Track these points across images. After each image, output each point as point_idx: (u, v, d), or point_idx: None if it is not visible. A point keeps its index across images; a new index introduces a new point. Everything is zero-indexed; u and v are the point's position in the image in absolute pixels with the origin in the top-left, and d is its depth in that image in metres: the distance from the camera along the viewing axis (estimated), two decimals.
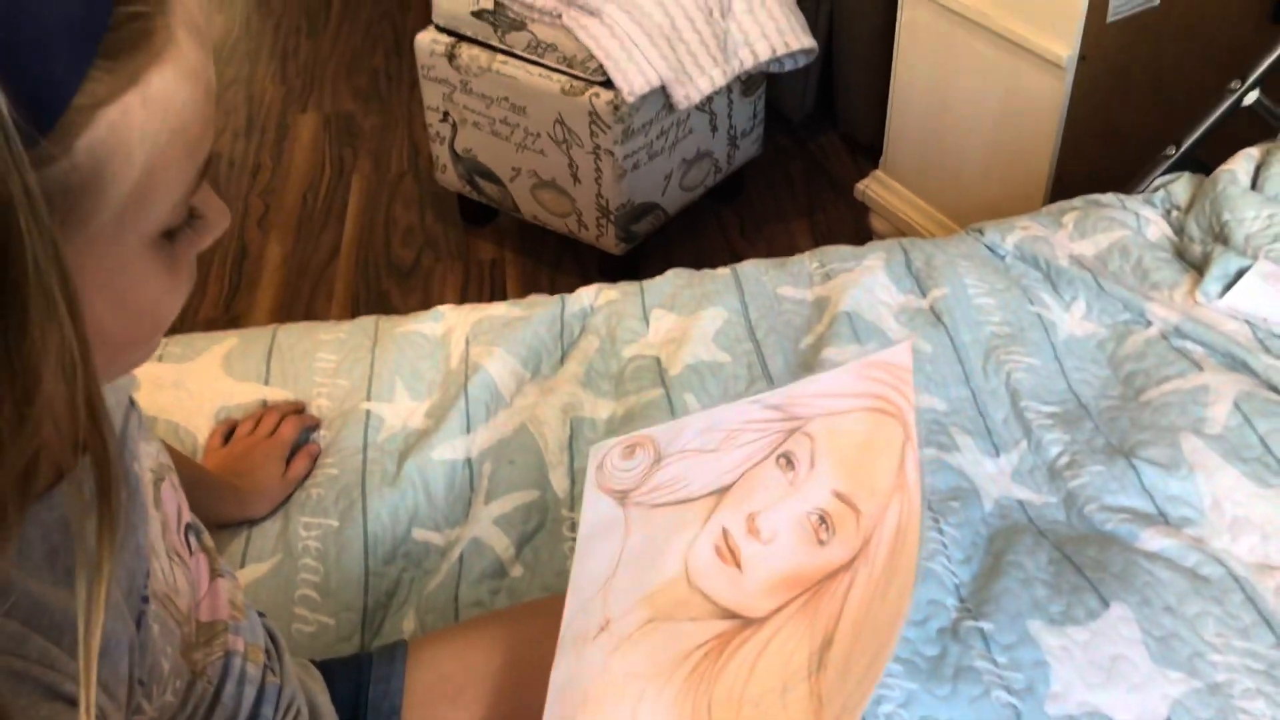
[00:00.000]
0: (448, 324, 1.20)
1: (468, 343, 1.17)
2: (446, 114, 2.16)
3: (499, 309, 1.22)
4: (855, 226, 2.29)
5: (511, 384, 1.11)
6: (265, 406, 1.09)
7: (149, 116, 0.41)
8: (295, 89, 2.86)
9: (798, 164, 2.50)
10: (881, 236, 2.21)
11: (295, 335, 1.18)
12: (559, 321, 1.20)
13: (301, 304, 2.15)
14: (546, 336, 1.17)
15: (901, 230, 2.13)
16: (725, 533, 0.69)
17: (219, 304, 2.16)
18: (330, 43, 3.08)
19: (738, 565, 0.67)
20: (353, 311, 2.13)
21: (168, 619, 0.56)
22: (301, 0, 3.33)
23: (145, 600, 0.54)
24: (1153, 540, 0.91)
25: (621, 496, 0.75)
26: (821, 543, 0.66)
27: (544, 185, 2.10)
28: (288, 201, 2.44)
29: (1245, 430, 0.97)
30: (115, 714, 0.48)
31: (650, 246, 2.20)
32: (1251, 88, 1.26)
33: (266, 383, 1.13)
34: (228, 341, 1.17)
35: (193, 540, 0.64)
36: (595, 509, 0.74)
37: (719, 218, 2.35)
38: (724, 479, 0.72)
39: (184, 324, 2.09)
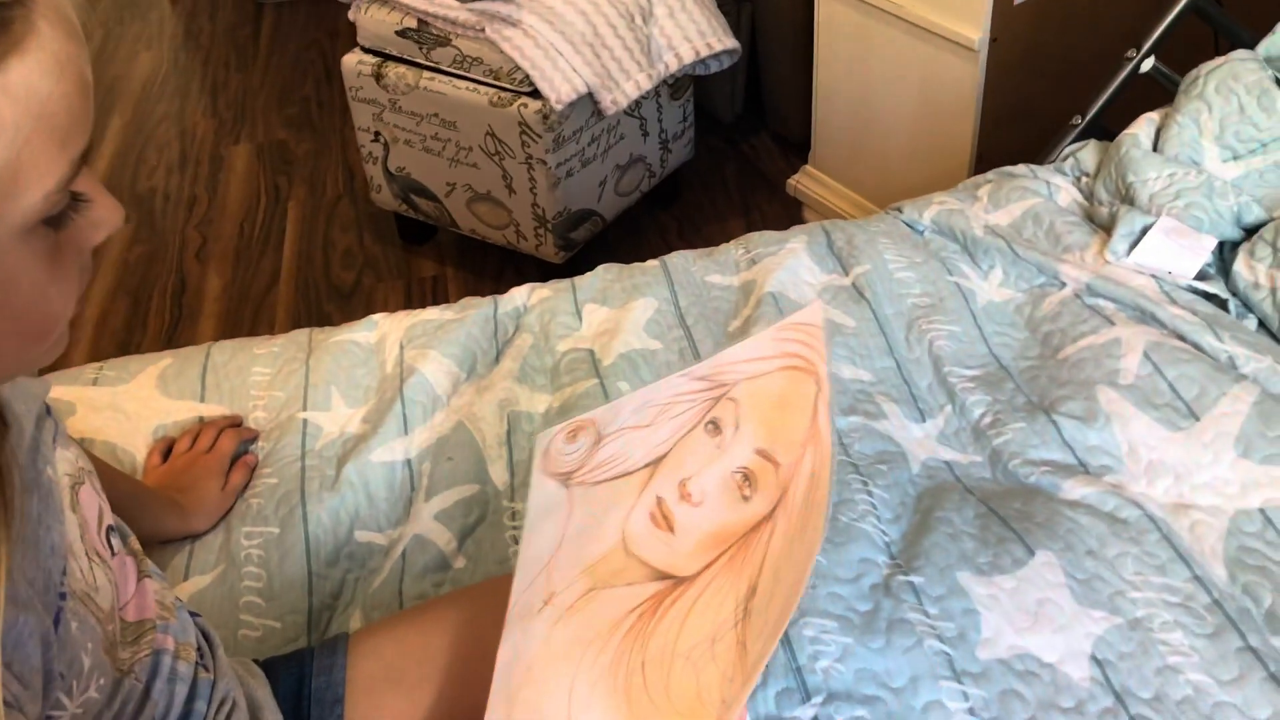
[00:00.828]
0: (381, 331, 1.22)
1: (402, 348, 1.18)
2: (378, 134, 2.17)
3: (432, 313, 1.23)
4: (790, 222, 2.32)
5: (447, 384, 1.13)
6: (202, 422, 1.10)
7: (7, 105, 0.42)
8: (227, 122, 2.86)
9: (731, 164, 2.54)
10: None
11: (229, 352, 1.19)
12: (492, 321, 1.22)
13: (243, 332, 2.15)
14: (480, 336, 1.19)
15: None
16: (659, 500, 0.71)
17: (160, 338, 2.15)
18: (260, 74, 3.08)
19: (671, 529, 0.69)
20: None
21: (87, 616, 0.57)
22: (230, 35, 3.33)
23: (63, 597, 0.54)
24: (1074, 489, 0.94)
25: (565, 478, 0.77)
26: (745, 498, 0.68)
27: (480, 198, 2.12)
28: (225, 232, 2.44)
29: (1156, 378, 1.00)
30: (31, 703, 0.49)
31: (590, 253, 2.22)
32: (1147, 55, 1.31)
33: (202, 400, 1.13)
34: (162, 362, 1.17)
35: (115, 542, 0.64)
36: (540, 492, 0.76)
37: (657, 221, 2.38)
38: (658, 450, 0.74)
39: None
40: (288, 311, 2.19)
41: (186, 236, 2.43)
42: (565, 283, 1.28)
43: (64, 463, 0.62)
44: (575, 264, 2.16)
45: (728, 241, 2.27)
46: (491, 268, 2.27)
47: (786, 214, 2.35)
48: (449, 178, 2.13)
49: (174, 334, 2.16)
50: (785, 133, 2.51)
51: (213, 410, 1.12)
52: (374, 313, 2.14)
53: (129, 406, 1.10)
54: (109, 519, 0.65)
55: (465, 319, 1.20)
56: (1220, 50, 1.35)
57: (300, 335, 1.22)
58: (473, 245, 2.28)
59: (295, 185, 2.58)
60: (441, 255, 2.32)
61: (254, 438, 1.09)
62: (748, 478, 0.69)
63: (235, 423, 1.10)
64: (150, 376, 1.14)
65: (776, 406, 0.72)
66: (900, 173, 1.99)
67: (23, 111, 0.42)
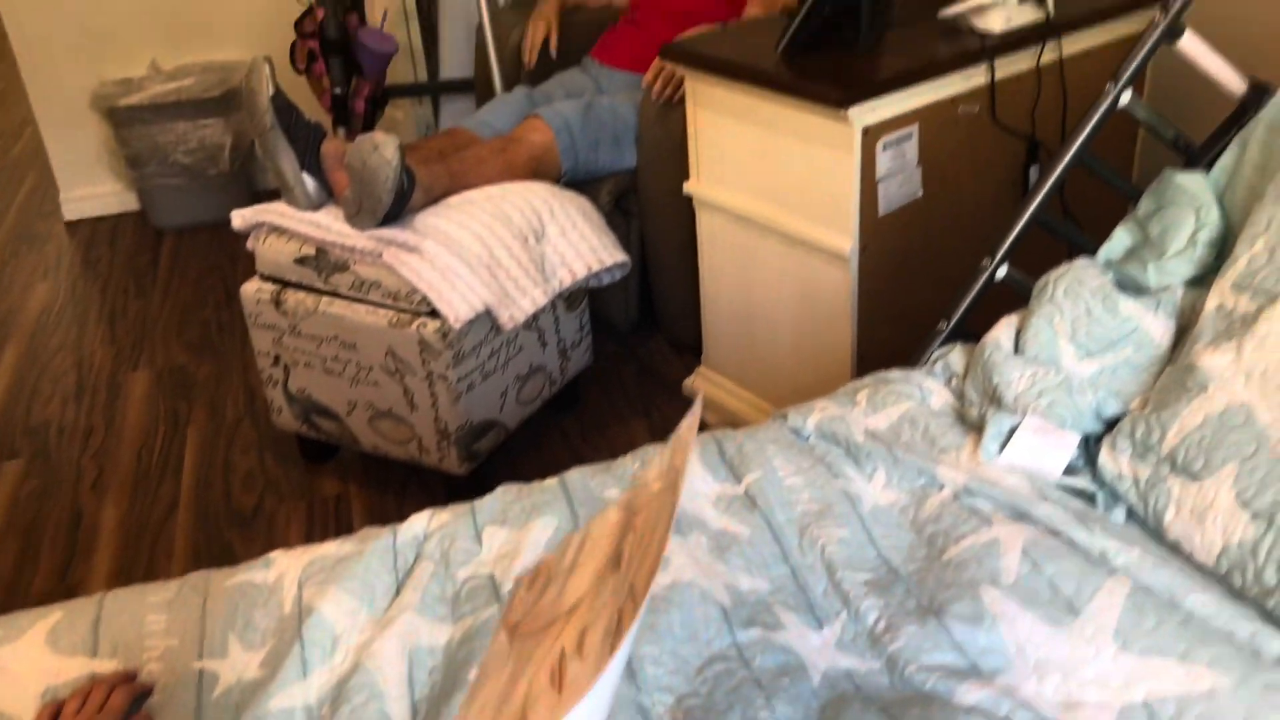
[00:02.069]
0: (279, 569, 1.21)
1: (300, 585, 1.17)
2: (277, 357, 2.19)
3: (330, 547, 1.23)
4: None
5: (347, 622, 1.12)
6: (93, 679, 1.07)
7: None
8: (125, 348, 2.86)
9: (630, 367, 2.61)
10: (713, 426, 2.31)
11: (123, 601, 1.17)
12: (392, 552, 1.22)
13: (141, 565, 2.09)
14: (380, 569, 1.19)
15: (730, 419, 2.24)
16: (561, 654, 0.72)
17: (53, 575, 2.08)
18: (160, 300, 3.10)
19: (560, 688, 0.70)
20: (194, 567, 2.08)
21: None
22: (128, 262, 3.36)
23: None
24: (968, 694, 0.96)
25: (513, 630, 0.78)
26: (613, 649, 0.69)
27: (381, 416, 2.14)
28: (122, 462, 2.40)
29: (1035, 576, 1.05)
30: None
31: (495, 463, 2.23)
32: (1000, 263, 1.42)
33: (95, 654, 1.10)
34: (52, 616, 1.14)
35: None
36: (495, 644, 0.78)
37: (560, 427, 2.41)
38: (576, 596, 0.76)
39: (16, 599, 2.01)
40: (187, 540, 2.15)
41: (82, 468, 2.39)
42: (464, 506, 1.29)
43: None
44: (479, 474, 2.17)
45: (631, 444, 2.34)
46: (395, 483, 2.27)
47: (684, 412, 2.40)
48: (350, 397, 2.15)
49: (67, 571, 2.09)
50: (679, 336, 2.60)
51: (105, 665, 1.09)
52: (275, 537, 2.15)
53: (16, 666, 1.07)
54: None
55: (364, 551, 1.20)
56: (1071, 257, 1.46)
57: (196, 578, 1.20)
58: (376, 462, 2.28)
59: (195, 409, 2.57)
60: (344, 473, 2.31)
61: (148, 692, 1.06)
62: (619, 620, 0.70)
63: (129, 678, 1.07)
64: (39, 633, 1.11)
65: (652, 532, 0.74)
66: (788, 371, 2.07)
67: None
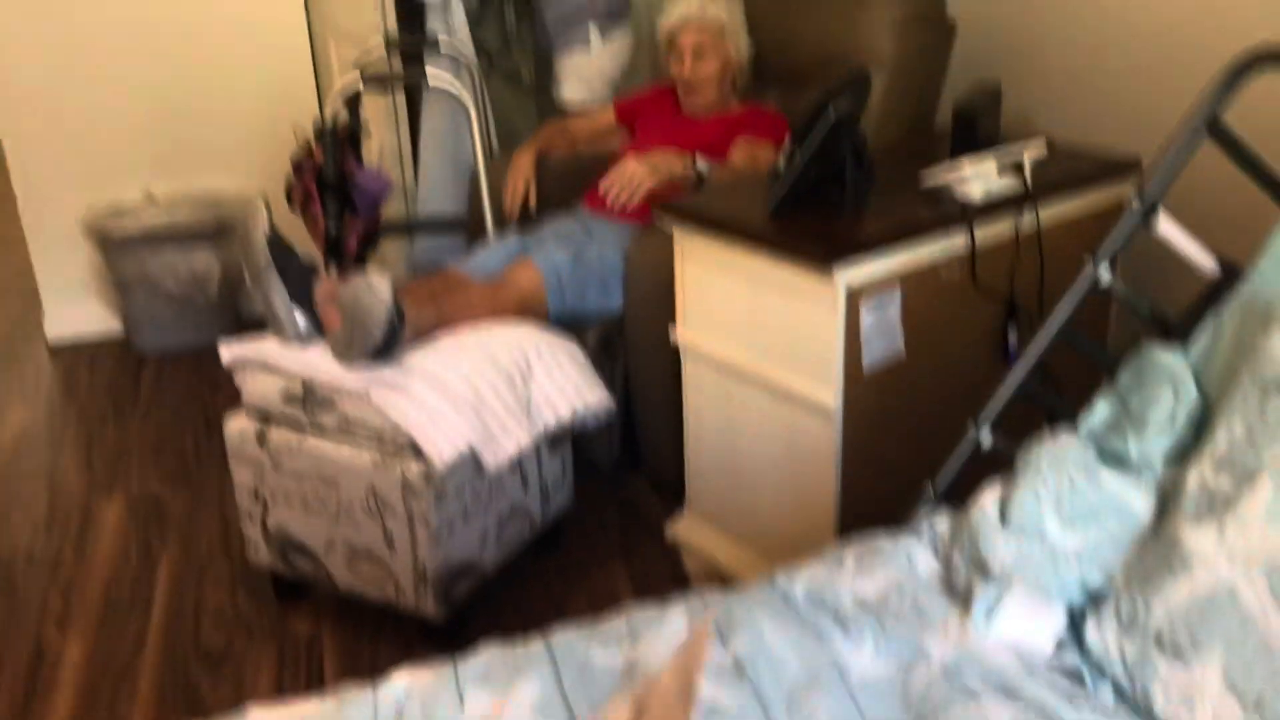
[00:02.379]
0: None
1: None
2: (257, 493, 2.18)
3: (309, 707, 1.21)
4: (671, 567, 2.37)
5: None
6: None
7: None
8: (100, 475, 2.83)
9: (611, 510, 2.60)
10: (695, 576, 2.30)
11: None
12: (372, 711, 1.20)
13: (102, 706, 2.03)
14: None
15: (712, 567, 2.22)
16: None
17: (10, 716, 2.01)
18: (138, 427, 3.08)
19: None
20: (159, 709, 2.02)
21: None
22: (108, 387, 3.36)
23: None
24: None
25: None
26: None
27: (359, 556, 2.12)
28: (90, 595, 2.36)
29: None
30: None
31: (472, 606, 2.21)
32: (985, 430, 1.44)
33: None
34: None
35: None
36: None
37: (540, 570, 2.39)
38: None
39: None
40: (152, 682, 2.09)
41: (48, 600, 2.34)
42: (447, 665, 1.27)
43: None
44: (456, 619, 2.14)
45: (611, 590, 2.32)
46: (369, 626, 2.23)
47: (667, 558, 2.40)
48: (329, 536, 2.13)
49: (26, 712, 2.03)
50: (662, 477, 2.60)
51: None
52: (244, 680, 2.10)
53: None
54: None
55: (343, 713, 1.18)
56: (1051, 420, 1.49)
57: None
58: (351, 603, 2.25)
59: (168, 542, 2.53)
60: (318, 614, 2.27)
61: None
62: None
63: None
64: None
65: None
66: (771, 522, 2.08)
67: None
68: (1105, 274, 1.41)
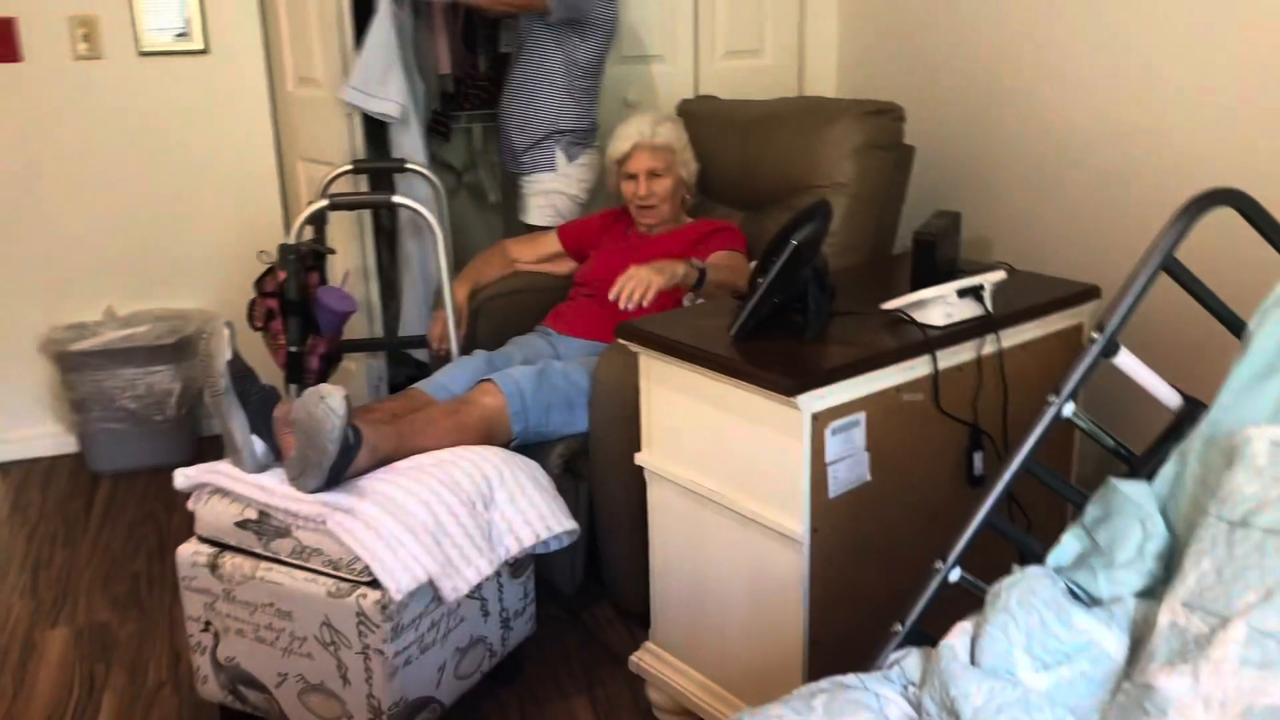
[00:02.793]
0: None
1: None
2: (208, 624, 2.10)
3: None
4: (634, 697, 2.30)
5: None
6: None
7: None
8: (45, 602, 2.73)
9: (573, 636, 2.54)
10: (659, 707, 2.23)
11: None
12: None
13: None
14: None
15: (676, 700, 2.16)
16: None
17: None
18: (89, 549, 2.99)
19: None
20: None
21: None
22: (59, 507, 3.27)
23: None
24: None
25: None
26: None
27: (311, 689, 2.04)
28: None
29: None
30: None
31: None
32: (952, 567, 1.42)
33: None
34: None
35: None
36: None
37: (499, 701, 2.31)
38: None
39: None
40: None
41: None
42: None
43: None
44: None
45: (571, 718, 2.25)
46: None
47: (630, 689, 2.33)
48: (281, 668, 2.05)
49: None
50: (626, 603, 2.55)
51: None
52: None
53: None
54: None
55: None
56: (1021, 553, 1.47)
57: None
58: None
59: (114, 673, 2.43)
60: None
61: None
62: None
63: None
64: None
65: None
66: (737, 652, 2.03)
67: None
68: (1069, 408, 1.40)
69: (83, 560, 2.93)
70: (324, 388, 1.98)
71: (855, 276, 2.41)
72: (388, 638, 1.94)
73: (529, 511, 2.19)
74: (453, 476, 2.12)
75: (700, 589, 2.08)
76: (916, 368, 1.91)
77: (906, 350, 1.88)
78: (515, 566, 2.26)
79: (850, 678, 1.35)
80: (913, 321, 1.94)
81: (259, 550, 2.05)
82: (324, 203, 2.70)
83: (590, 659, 2.46)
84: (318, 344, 2.67)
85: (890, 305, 1.98)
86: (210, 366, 2.07)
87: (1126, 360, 1.43)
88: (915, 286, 2.08)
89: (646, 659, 2.23)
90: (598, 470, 2.48)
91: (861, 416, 1.85)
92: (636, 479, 2.25)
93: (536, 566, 2.35)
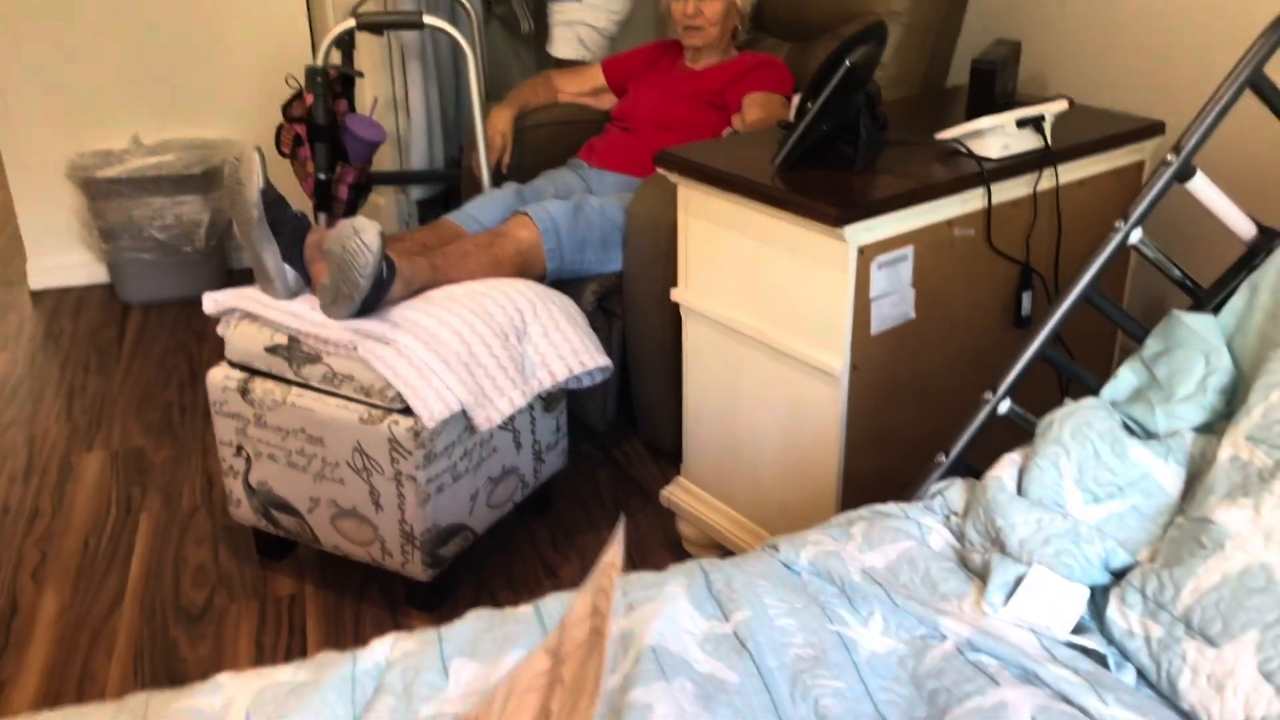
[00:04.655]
0: (227, 695, 1.11)
1: (249, 717, 1.08)
2: (240, 448, 2.10)
3: (285, 673, 1.14)
4: (664, 531, 2.31)
5: None
6: None
7: None
8: (81, 427, 2.75)
9: (605, 471, 2.54)
10: (690, 541, 2.24)
11: None
12: (350, 682, 1.13)
13: (78, 662, 1.97)
14: (336, 702, 1.09)
15: (706, 533, 2.16)
16: None
17: None
18: (121, 377, 3.00)
19: None
20: (135, 667, 1.96)
21: None
22: (92, 336, 3.27)
23: None
24: None
25: None
26: None
27: (344, 515, 2.05)
28: (67, 548, 2.29)
29: None
30: None
31: (459, 568, 2.14)
32: (1003, 397, 1.37)
33: None
34: None
35: None
36: None
37: (530, 532, 2.33)
38: None
39: None
40: (129, 638, 2.03)
41: (24, 553, 2.27)
42: (432, 634, 1.20)
43: None
44: (443, 580, 2.08)
45: (601, 549, 2.25)
46: (353, 586, 2.16)
47: (660, 522, 2.34)
48: (313, 493, 2.06)
49: None
50: (657, 441, 2.54)
51: None
52: (224, 638, 2.03)
53: None
54: None
55: (320, 681, 1.11)
56: (1065, 390, 1.42)
57: (136, 702, 1.10)
58: (334, 562, 2.18)
59: (149, 496, 2.46)
60: (301, 572, 2.20)
61: None
62: None
63: None
64: None
65: (579, 691, 0.69)
66: (770, 489, 2.01)
67: None
68: (1136, 234, 1.33)
69: (116, 387, 2.95)
70: (358, 221, 1.92)
71: (906, 108, 2.30)
72: (420, 464, 1.94)
73: (562, 346, 2.16)
74: (485, 308, 2.08)
75: (734, 425, 2.05)
76: (969, 201, 1.82)
77: (960, 183, 1.79)
78: (548, 401, 2.24)
79: (890, 506, 1.32)
80: (968, 153, 1.85)
81: (289, 376, 2.03)
82: (351, 23, 2.59)
83: (621, 494, 2.46)
84: (346, 173, 2.60)
85: (945, 135, 1.89)
86: (241, 194, 2.01)
87: (1201, 185, 1.35)
88: (971, 118, 1.98)
89: (677, 494, 2.22)
90: (631, 308, 2.43)
91: (909, 251, 1.77)
92: (670, 316, 2.20)
93: (568, 404, 2.33)
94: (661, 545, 2.27)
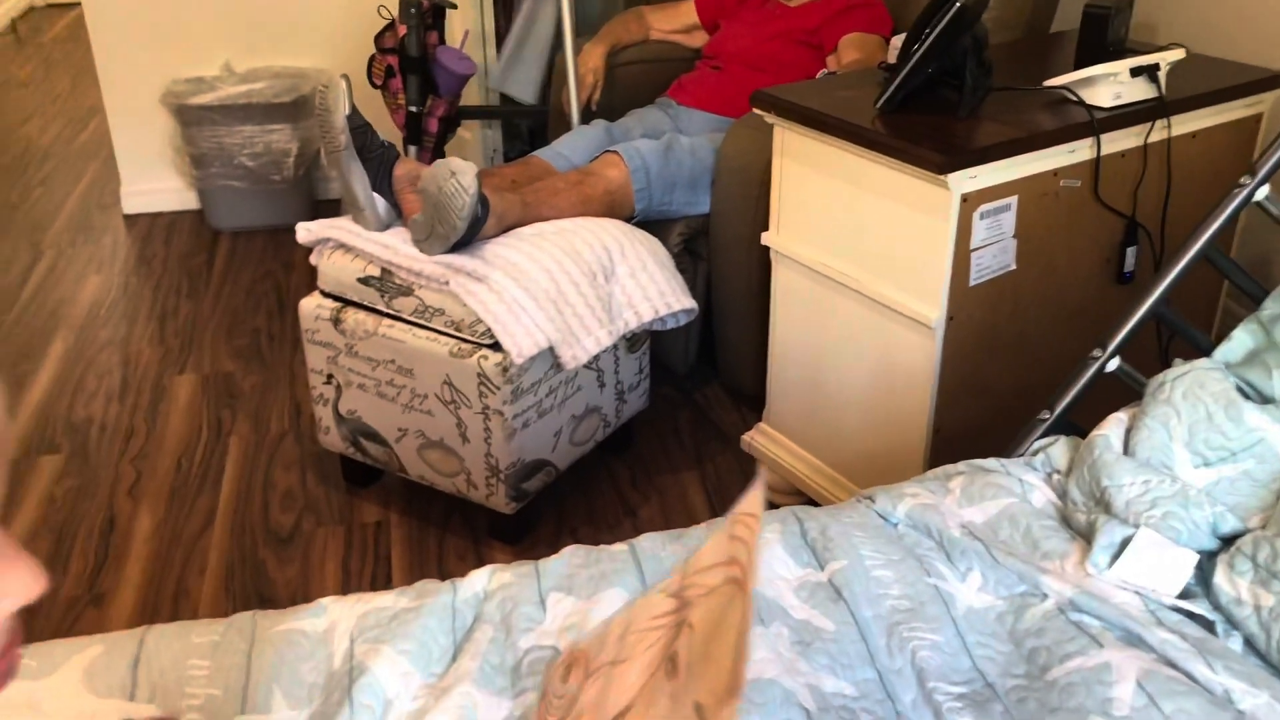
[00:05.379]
0: (331, 618, 1.14)
1: (352, 640, 1.10)
2: (330, 376, 2.14)
3: (386, 599, 1.16)
4: (744, 476, 2.31)
5: (400, 686, 1.05)
6: None
7: None
8: (173, 350, 2.82)
9: (685, 414, 2.54)
10: (770, 487, 2.23)
11: (166, 639, 1.10)
12: (450, 611, 1.15)
13: (172, 578, 2.04)
14: (437, 629, 1.12)
15: (788, 481, 2.16)
16: None
17: (82, 581, 2.03)
18: (211, 303, 3.06)
19: None
20: (226, 585, 2.02)
21: None
22: (183, 261, 3.34)
23: None
24: None
25: None
26: None
27: (431, 446, 2.08)
28: (161, 467, 2.35)
29: (1151, 711, 0.96)
30: None
31: (541, 503, 2.17)
32: (1112, 356, 1.34)
33: (132, 697, 1.04)
34: (90, 650, 1.08)
35: None
36: None
37: (610, 470, 2.34)
38: (626, 698, 0.71)
39: (44, 605, 1.95)
40: (220, 556, 2.09)
41: (120, 471, 2.34)
42: (528, 566, 1.22)
43: None
44: (524, 513, 2.11)
45: (681, 495, 2.27)
46: (437, 516, 2.20)
47: (740, 467, 2.34)
48: (401, 424, 2.09)
49: (97, 578, 2.04)
50: (739, 386, 2.53)
51: (143, 711, 1.02)
52: (311, 560, 2.08)
53: (50, 705, 1.01)
54: None
55: (421, 608, 1.14)
56: (1165, 350, 1.38)
57: (243, 620, 1.14)
58: (419, 492, 2.22)
59: (239, 420, 2.52)
60: (386, 500, 2.25)
61: None
62: None
63: None
64: (76, 669, 1.05)
65: (715, 638, 0.67)
66: (855, 439, 1.99)
67: None
68: (1263, 191, 1.28)
69: (206, 312, 3.01)
70: (455, 163, 1.92)
71: (1011, 53, 2.23)
72: (507, 400, 1.95)
73: (649, 287, 2.15)
74: (574, 246, 2.08)
75: (820, 373, 2.03)
76: (1077, 151, 1.77)
77: (1068, 132, 1.74)
78: (632, 341, 2.24)
79: (991, 461, 1.31)
80: (1078, 101, 1.79)
81: (381, 307, 2.05)
82: None
83: (701, 437, 2.46)
84: (436, 105, 2.60)
85: (1054, 82, 1.83)
86: (329, 121, 2.02)
87: None
88: (1080, 65, 1.91)
89: (759, 439, 2.22)
90: (718, 251, 2.41)
91: (1013, 201, 1.73)
92: (758, 261, 2.18)
93: (651, 346, 2.32)
94: (741, 488, 2.27)
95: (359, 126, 2.02)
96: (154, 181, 3.66)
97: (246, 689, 1.05)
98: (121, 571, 2.06)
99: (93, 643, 1.10)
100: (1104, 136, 1.77)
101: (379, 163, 2.06)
